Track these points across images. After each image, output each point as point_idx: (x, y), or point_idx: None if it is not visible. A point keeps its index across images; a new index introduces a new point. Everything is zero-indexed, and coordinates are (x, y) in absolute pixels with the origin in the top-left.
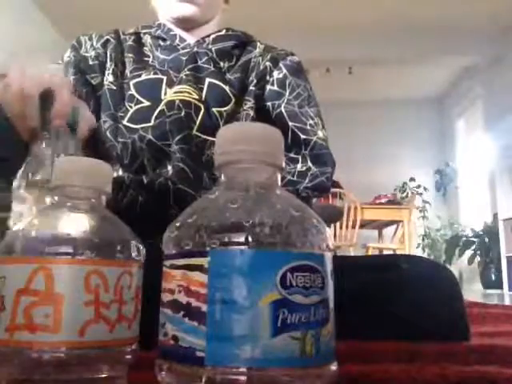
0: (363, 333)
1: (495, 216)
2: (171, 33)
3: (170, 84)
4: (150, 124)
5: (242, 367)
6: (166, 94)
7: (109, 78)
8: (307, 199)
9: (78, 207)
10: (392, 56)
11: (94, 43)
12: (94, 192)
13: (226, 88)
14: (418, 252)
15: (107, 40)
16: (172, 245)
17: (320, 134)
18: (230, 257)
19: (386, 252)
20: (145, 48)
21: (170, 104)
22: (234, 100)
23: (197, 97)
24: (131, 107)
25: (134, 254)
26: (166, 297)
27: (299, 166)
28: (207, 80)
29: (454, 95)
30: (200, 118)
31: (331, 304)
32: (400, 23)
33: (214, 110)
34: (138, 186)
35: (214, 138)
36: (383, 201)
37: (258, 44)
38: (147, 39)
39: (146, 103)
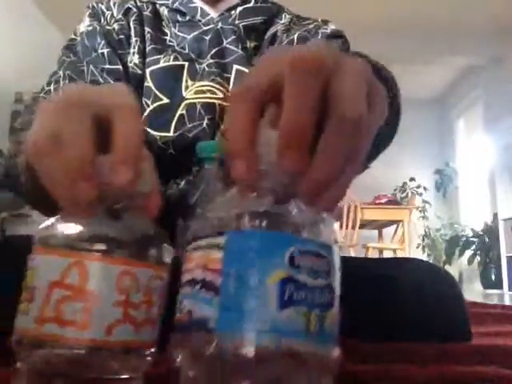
0: (363, 335)
1: (495, 216)
2: (191, 5)
3: (192, 74)
4: (170, 135)
5: (250, 336)
6: (187, 87)
7: (134, 58)
8: None
9: (114, 207)
10: (392, 56)
11: (115, 12)
12: (130, 193)
13: None
14: (418, 252)
15: (128, 8)
16: (193, 232)
17: None
18: (245, 237)
19: (386, 252)
20: (162, 23)
21: (191, 109)
22: None
23: (221, 95)
24: (148, 105)
25: (165, 257)
26: (185, 278)
27: None
28: (234, 67)
29: (454, 95)
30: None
31: (337, 292)
32: (400, 23)
33: None
34: None
35: None
36: (383, 201)
37: (285, 14)
38: (164, 11)
39: (165, 100)
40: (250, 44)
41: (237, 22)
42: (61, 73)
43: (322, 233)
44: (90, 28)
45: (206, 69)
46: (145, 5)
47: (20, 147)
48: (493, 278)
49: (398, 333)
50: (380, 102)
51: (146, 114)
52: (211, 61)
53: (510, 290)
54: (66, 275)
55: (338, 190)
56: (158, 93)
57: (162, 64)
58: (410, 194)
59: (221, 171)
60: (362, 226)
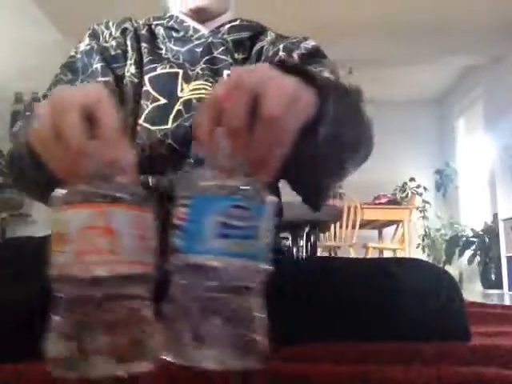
0: (363, 334)
1: (495, 216)
2: (184, 24)
3: (187, 79)
4: (168, 127)
5: (203, 256)
6: (182, 90)
7: (131, 69)
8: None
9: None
10: (392, 56)
11: (113, 32)
12: (113, 163)
13: None
14: (418, 252)
15: (125, 28)
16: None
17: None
18: (201, 199)
19: (386, 252)
20: (157, 40)
21: (187, 104)
22: None
23: None
24: (147, 106)
25: (153, 205)
26: (171, 222)
27: None
28: (225, 72)
29: (454, 95)
30: None
31: (261, 229)
32: (400, 23)
33: None
34: (145, 188)
35: None
36: (383, 201)
37: (270, 32)
38: (159, 31)
39: (163, 101)
40: (238, 56)
41: (225, 36)
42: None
43: (251, 194)
44: (88, 47)
45: (200, 72)
46: (141, 25)
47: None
48: (493, 277)
49: (398, 333)
50: (302, 106)
51: (145, 113)
52: (204, 66)
53: (510, 289)
54: (96, 220)
55: (271, 164)
56: (156, 95)
57: (158, 71)
58: (410, 194)
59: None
60: (361, 226)
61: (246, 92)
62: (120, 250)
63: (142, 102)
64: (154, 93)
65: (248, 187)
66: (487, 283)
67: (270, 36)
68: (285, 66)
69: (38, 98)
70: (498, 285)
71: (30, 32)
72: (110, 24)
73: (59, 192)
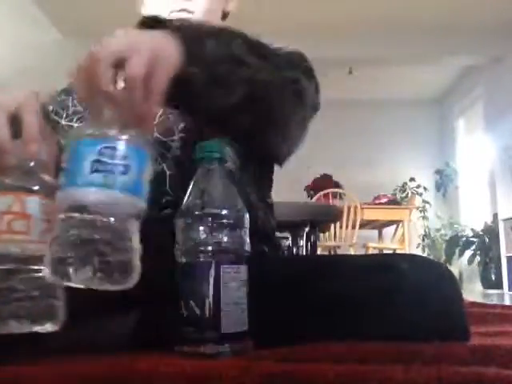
0: (363, 334)
1: (495, 216)
2: None
3: None
4: (155, 122)
5: (77, 189)
6: None
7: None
8: None
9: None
10: (392, 56)
11: None
12: (35, 159)
13: None
14: (418, 252)
15: None
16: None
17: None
18: (79, 143)
19: (385, 252)
20: None
21: None
22: None
23: None
24: None
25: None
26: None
27: None
28: None
29: (454, 95)
30: None
31: (136, 169)
32: (400, 23)
33: None
34: None
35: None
36: (383, 201)
37: None
38: None
39: None
40: None
41: None
42: (51, 107)
43: (123, 139)
44: None
45: None
46: None
47: None
48: (493, 277)
49: (398, 332)
50: (166, 59)
51: None
52: None
53: (510, 289)
54: (12, 206)
55: (147, 115)
56: None
57: None
58: (410, 194)
59: (221, 170)
60: (361, 226)
61: (109, 56)
62: (32, 231)
63: None
64: None
65: (119, 133)
66: (487, 283)
67: None
68: (156, 24)
69: None
70: (498, 285)
71: (29, 32)
72: None
73: None
